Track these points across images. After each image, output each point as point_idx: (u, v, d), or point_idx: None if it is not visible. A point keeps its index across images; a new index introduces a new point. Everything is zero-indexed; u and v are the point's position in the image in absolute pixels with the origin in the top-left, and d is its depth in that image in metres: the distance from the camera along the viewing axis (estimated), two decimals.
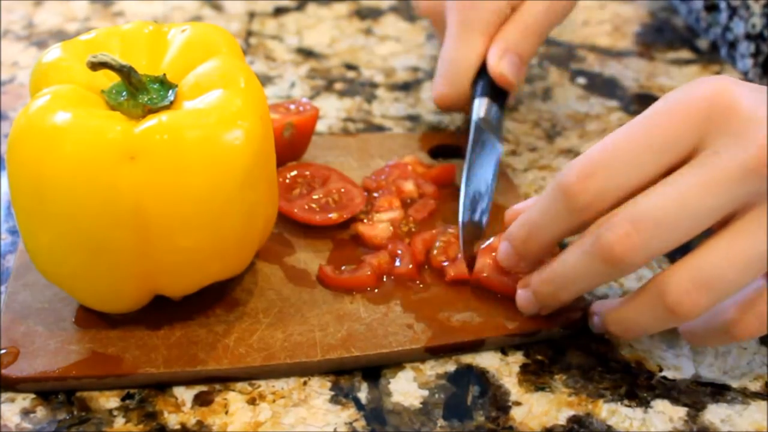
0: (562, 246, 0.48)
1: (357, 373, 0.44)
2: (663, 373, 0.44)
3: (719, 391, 0.44)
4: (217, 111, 0.41)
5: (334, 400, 0.42)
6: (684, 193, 0.39)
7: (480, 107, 0.56)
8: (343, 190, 0.53)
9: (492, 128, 0.55)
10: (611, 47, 0.76)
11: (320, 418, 0.41)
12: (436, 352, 0.45)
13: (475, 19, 0.57)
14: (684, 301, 0.39)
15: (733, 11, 0.71)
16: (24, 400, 0.42)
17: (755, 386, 0.44)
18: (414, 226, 0.52)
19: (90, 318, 0.45)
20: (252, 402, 0.42)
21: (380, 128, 0.64)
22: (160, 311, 0.45)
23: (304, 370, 0.44)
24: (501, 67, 0.56)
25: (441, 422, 0.41)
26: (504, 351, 0.46)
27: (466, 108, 0.59)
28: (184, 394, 0.42)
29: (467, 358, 0.45)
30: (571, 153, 0.61)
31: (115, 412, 0.41)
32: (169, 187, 0.39)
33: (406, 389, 0.43)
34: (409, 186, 0.54)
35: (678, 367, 0.45)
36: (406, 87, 0.69)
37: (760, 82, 0.69)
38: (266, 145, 0.44)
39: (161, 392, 0.42)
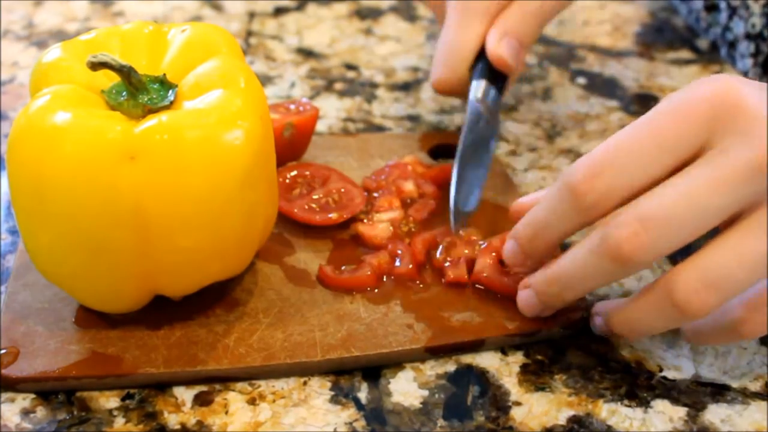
0: (563, 246, 0.48)
1: (357, 373, 0.44)
2: (663, 373, 0.44)
3: (719, 391, 0.44)
4: (217, 111, 0.41)
5: (334, 400, 0.42)
6: (692, 191, 0.39)
7: (477, 89, 0.56)
8: (343, 190, 0.53)
9: (488, 110, 0.55)
10: (611, 47, 0.76)
11: (320, 418, 0.41)
12: (436, 352, 0.45)
13: (474, 3, 0.57)
14: (692, 300, 0.39)
15: (732, 11, 0.71)
16: (24, 400, 0.42)
17: (755, 386, 0.44)
18: (414, 226, 0.52)
19: (90, 318, 0.45)
20: (252, 402, 0.42)
21: (380, 128, 0.64)
22: (160, 311, 0.45)
23: (304, 370, 0.44)
24: (500, 49, 0.55)
25: (441, 422, 0.41)
26: (504, 351, 0.46)
27: (464, 94, 0.58)
28: (184, 394, 0.42)
29: (467, 358, 0.45)
30: (571, 153, 0.61)
31: (115, 412, 0.41)
32: (169, 187, 0.39)
33: (406, 389, 0.43)
34: (409, 186, 0.54)
35: (678, 367, 0.45)
36: (406, 87, 0.69)
37: (760, 82, 0.69)
38: (266, 145, 0.44)
39: (161, 392, 0.42)
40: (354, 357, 0.44)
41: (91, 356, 0.43)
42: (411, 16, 0.81)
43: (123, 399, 0.42)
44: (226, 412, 0.41)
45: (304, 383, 0.43)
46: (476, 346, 0.45)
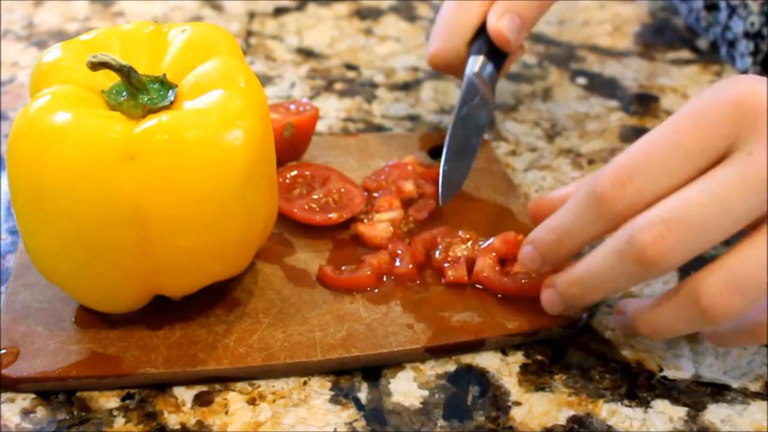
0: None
1: (357, 373, 0.44)
2: (663, 373, 0.44)
3: (719, 391, 0.44)
4: (217, 111, 0.41)
5: (334, 400, 0.42)
6: (718, 193, 0.38)
7: (475, 63, 0.55)
8: (343, 190, 0.53)
9: (484, 85, 0.54)
10: (611, 47, 0.76)
11: (320, 418, 0.41)
12: (436, 352, 0.45)
13: None
14: (718, 303, 0.38)
15: (732, 10, 0.71)
16: (24, 400, 0.42)
17: (755, 386, 0.44)
18: (414, 226, 0.52)
19: (90, 318, 0.45)
20: (252, 402, 0.42)
21: (380, 128, 0.64)
22: (160, 311, 0.45)
23: (304, 370, 0.44)
24: (500, 24, 0.55)
25: (441, 422, 0.41)
26: (504, 351, 0.46)
27: (460, 70, 0.58)
28: (184, 394, 0.42)
29: (467, 358, 0.45)
30: (571, 153, 0.61)
31: (115, 412, 0.41)
32: (169, 187, 0.39)
33: (406, 389, 0.43)
34: (409, 186, 0.54)
35: (678, 367, 0.45)
36: (406, 87, 0.69)
37: None
38: (266, 145, 0.44)
39: (161, 392, 0.42)
40: (354, 357, 0.44)
41: (91, 356, 0.43)
42: (411, 16, 0.81)
43: (123, 399, 0.42)
44: (226, 412, 0.41)
45: (304, 383, 0.43)
46: (476, 346, 0.45)
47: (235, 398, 0.42)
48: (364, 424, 0.41)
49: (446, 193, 0.49)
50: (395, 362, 0.44)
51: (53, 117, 0.39)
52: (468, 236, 0.50)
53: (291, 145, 0.56)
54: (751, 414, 0.42)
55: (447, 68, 0.58)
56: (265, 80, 0.69)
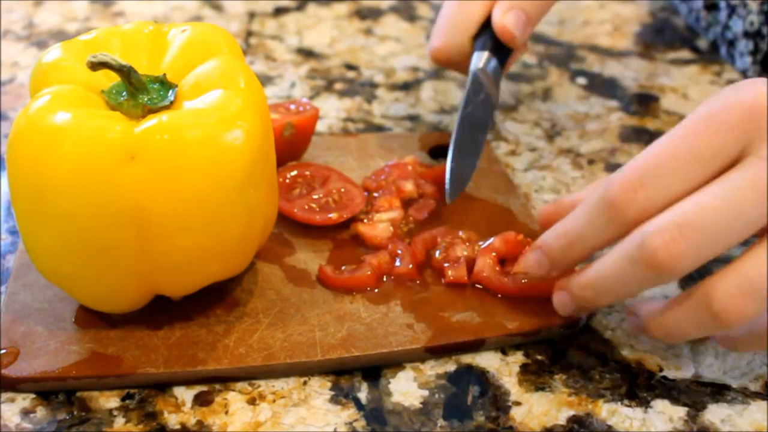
0: None
1: (357, 373, 0.44)
2: (663, 373, 0.44)
3: (719, 391, 0.44)
4: (217, 111, 0.41)
5: (334, 400, 0.42)
6: (731, 197, 0.38)
7: (479, 59, 0.55)
8: (343, 190, 0.53)
9: (489, 80, 0.54)
10: (611, 47, 0.76)
11: (320, 418, 0.41)
12: (436, 352, 0.45)
13: None
14: (731, 308, 0.38)
15: (732, 10, 0.71)
16: (24, 400, 0.42)
17: (755, 386, 0.44)
18: (414, 226, 0.52)
19: (90, 318, 0.45)
20: (252, 402, 0.42)
21: (380, 128, 0.64)
22: (160, 311, 0.45)
23: (304, 370, 0.44)
24: (506, 19, 0.54)
25: (441, 422, 0.41)
26: (504, 351, 0.46)
27: (461, 66, 0.57)
28: (184, 394, 0.42)
29: (467, 358, 0.45)
30: (571, 153, 0.61)
31: (115, 412, 0.41)
32: (169, 187, 0.39)
33: (406, 389, 0.43)
34: (409, 186, 0.54)
35: (678, 367, 0.45)
36: (406, 87, 0.69)
37: None
38: (266, 145, 0.44)
39: (161, 392, 0.42)
40: (354, 357, 0.44)
41: (91, 356, 0.43)
42: (411, 16, 0.81)
43: (123, 399, 0.42)
44: (226, 412, 0.41)
45: (304, 383, 0.43)
46: (476, 346, 0.45)
47: (235, 398, 0.42)
48: (364, 424, 0.41)
49: (453, 190, 0.49)
50: (395, 362, 0.44)
51: (53, 117, 0.39)
52: (468, 236, 0.50)
53: (291, 145, 0.56)
54: (751, 414, 0.42)
55: (450, 63, 0.58)
56: (265, 80, 0.69)
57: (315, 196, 0.52)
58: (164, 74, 0.43)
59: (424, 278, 0.49)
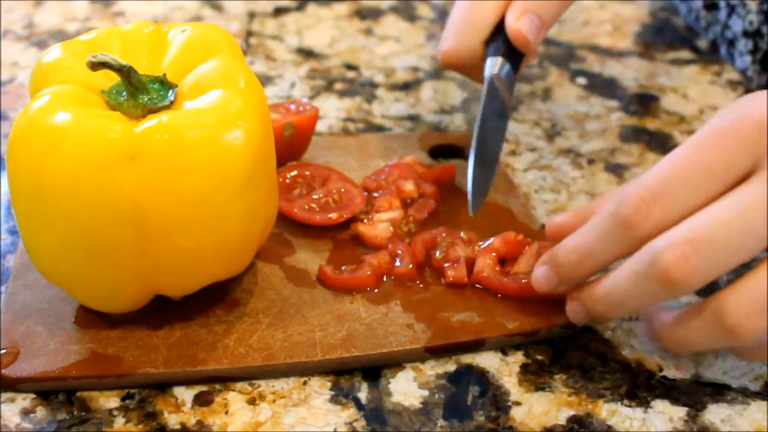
0: None
1: (357, 373, 0.44)
2: (663, 373, 0.44)
3: (719, 391, 0.44)
4: (217, 111, 0.41)
5: (334, 400, 0.42)
6: (743, 212, 0.38)
7: (494, 65, 0.54)
8: (343, 190, 0.53)
9: (504, 87, 0.53)
10: (611, 47, 0.76)
11: (320, 418, 0.41)
12: (436, 352, 0.45)
13: None
14: (744, 323, 0.38)
15: (731, 9, 0.72)
16: (24, 400, 0.42)
17: (755, 386, 0.44)
18: (414, 226, 0.52)
19: (90, 318, 0.45)
20: (252, 402, 0.42)
21: (380, 128, 0.64)
22: (160, 311, 0.45)
23: (304, 370, 0.44)
24: (520, 23, 0.53)
25: (441, 422, 0.41)
26: (504, 351, 0.46)
27: (471, 70, 0.56)
28: (184, 394, 0.42)
29: (467, 358, 0.45)
30: (571, 153, 0.61)
31: (115, 412, 0.41)
32: (169, 187, 0.39)
33: (406, 389, 0.43)
34: (409, 186, 0.54)
35: (678, 367, 0.45)
36: (406, 87, 0.69)
37: (759, 79, 0.69)
38: (266, 145, 0.44)
39: (161, 392, 0.42)
40: (354, 357, 0.44)
41: (91, 356, 0.43)
42: (411, 16, 0.81)
43: (123, 399, 0.42)
44: (226, 412, 0.41)
45: (304, 383, 0.43)
46: (476, 346, 0.45)
47: (235, 398, 0.42)
48: (364, 424, 0.41)
49: (477, 204, 0.48)
50: (395, 362, 0.44)
51: (53, 117, 0.39)
52: (468, 236, 0.50)
53: (291, 145, 0.56)
54: (751, 414, 0.42)
55: (460, 67, 0.57)
56: (265, 80, 0.69)
57: (315, 196, 0.52)
58: (164, 74, 0.43)
59: (424, 278, 0.49)
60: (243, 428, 0.41)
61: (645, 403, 0.43)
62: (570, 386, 0.44)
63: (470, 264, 0.48)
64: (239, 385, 0.43)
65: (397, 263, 0.49)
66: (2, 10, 0.79)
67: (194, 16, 0.79)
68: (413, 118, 0.65)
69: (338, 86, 0.69)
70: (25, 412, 0.41)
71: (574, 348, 0.46)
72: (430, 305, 0.47)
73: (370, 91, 0.68)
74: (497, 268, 0.48)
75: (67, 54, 0.44)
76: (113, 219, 0.40)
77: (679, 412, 0.42)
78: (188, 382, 0.43)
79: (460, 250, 0.49)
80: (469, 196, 0.49)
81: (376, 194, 0.53)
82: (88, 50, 0.43)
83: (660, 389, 0.44)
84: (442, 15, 0.81)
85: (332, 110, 0.66)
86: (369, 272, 0.48)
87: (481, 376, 0.44)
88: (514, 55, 0.55)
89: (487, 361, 0.45)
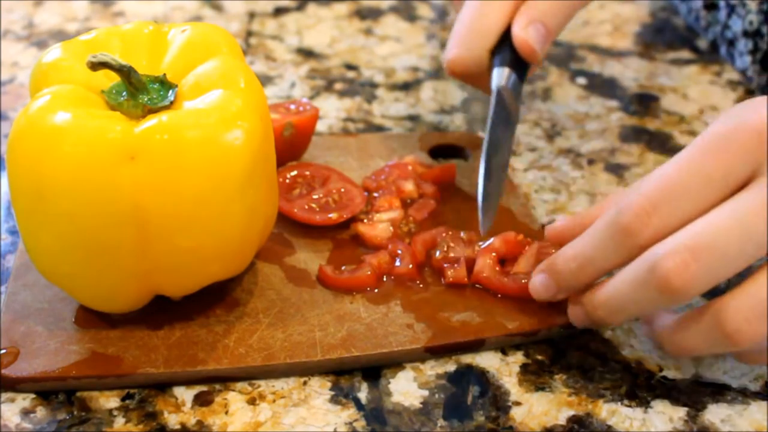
0: None
1: (357, 373, 0.44)
2: (663, 373, 0.44)
3: (719, 391, 0.44)
4: (217, 111, 0.41)
5: (334, 400, 0.42)
6: (742, 219, 0.38)
7: (501, 76, 0.53)
8: (343, 190, 0.53)
9: (512, 98, 0.52)
10: (611, 47, 0.76)
11: (320, 418, 0.41)
12: (436, 352, 0.45)
13: None
14: (743, 329, 0.38)
15: (731, 9, 0.72)
16: (24, 400, 0.42)
17: (755, 386, 0.44)
18: (414, 226, 0.52)
19: (90, 318, 0.45)
20: (252, 402, 0.42)
21: (380, 128, 0.64)
22: (160, 311, 0.45)
23: (304, 370, 0.44)
24: (527, 33, 0.53)
25: (441, 422, 0.41)
26: (504, 351, 0.46)
27: (477, 79, 0.56)
28: (184, 394, 0.42)
29: (467, 358, 0.45)
30: (571, 153, 0.61)
31: (115, 412, 0.41)
32: (169, 187, 0.39)
33: (406, 389, 0.43)
34: (409, 186, 0.54)
35: (678, 367, 0.45)
36: (406, 87, 0.69)
37: (759, 79, 0.69)
38: (266, 145, 0.44)
39: (161, 392, 0.42)
40: (354, 357, 0.44)
41: (91, 356, 0.43)
42: (411, 16, 0.81)
43: (123, 399, 0.42)
44: (226, 412, 0.41)
45: (304, 383, 0.43)
46: (476, 346, 0.45)
47: (235, 398, 0.42)
48: (364, 424, 0.41)
49: (487, 221, 0.48)
50: (395, 362, 0.44)
51: (53, 117, 0.39)
52: (468, 236, 0.50)
53: (291, 145, 0.56)
54: (751, 414, 0.42)
55: (466, 76, 0.56)
56: (265, 80, 0.69)
57: (315, 196, 0.52)
58: (164, 74, 0.43)
59: (424, 278, 0.49)
60: (243, 428, 0.41)
61: (645, 403, 0.43)
62: (570, 386, 0.44)
63: (470, 264, 0.48)
64: (239, 385, 0.43)
65: (397, 263, 0.49)
66: (2, 10, 0.79)
67: (194, 16, 0.79)
68: (413, 118, 0.65)
69: (338, 86, 0.69)
70: (25, 412, 0.41)
71: (574, 348, 0.46)
72: (430, 305, 0.47)
73: (370, 91, 0.68)
74: (497, 268, 0.48)
75: (67, 54, 0.44)
76: (113, 219, 0.40)
77: (679, 412, 0.42)
78: (188, 382, 0.43)
79: (460, 250, 0.49)
80: (480, 214, 0.48)
81: (376, 194, 0.53)
82: (88, 50, 0.43)
83: (660, 389, 0.44)
84: (442, 15, 0.82)
85: (332, 110, 0.66)
86: (369, 272, 0.48)
87: (481, 376, 0.44)
88: (520, 64, 0.54)
89: (487, 361, 0.45)
